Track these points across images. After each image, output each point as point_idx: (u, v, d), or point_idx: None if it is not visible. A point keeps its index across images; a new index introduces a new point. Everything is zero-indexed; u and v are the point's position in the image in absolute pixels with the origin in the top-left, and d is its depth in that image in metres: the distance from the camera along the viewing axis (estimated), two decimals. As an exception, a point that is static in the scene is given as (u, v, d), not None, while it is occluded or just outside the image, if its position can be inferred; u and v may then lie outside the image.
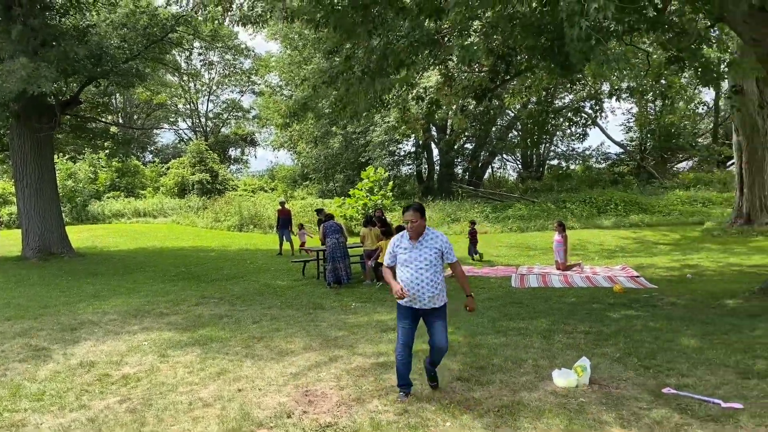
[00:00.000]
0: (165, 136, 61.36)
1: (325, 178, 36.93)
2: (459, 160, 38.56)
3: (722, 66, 10.24)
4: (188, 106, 53.35)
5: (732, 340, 6.79)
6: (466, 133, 35.94)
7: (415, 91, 13.11)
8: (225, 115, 54.25)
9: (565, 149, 39.78)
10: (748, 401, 5.00)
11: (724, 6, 7.55)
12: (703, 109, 37.44)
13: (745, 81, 17.49)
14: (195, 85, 51.28)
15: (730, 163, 31.11)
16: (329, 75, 10.59)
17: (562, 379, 5.50)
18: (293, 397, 5.46)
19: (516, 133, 38.76)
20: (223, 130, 53.60)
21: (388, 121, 29.52)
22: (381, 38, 9.35)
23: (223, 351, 7.06)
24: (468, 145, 38.84)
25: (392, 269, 5.35)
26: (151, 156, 51.33)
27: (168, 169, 39.65)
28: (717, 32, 16.21)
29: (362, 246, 12.63)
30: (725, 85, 18.76)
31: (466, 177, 37.94)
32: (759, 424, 4.58)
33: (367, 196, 25.50)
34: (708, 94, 37.02)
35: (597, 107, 32.64)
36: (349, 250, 12.58)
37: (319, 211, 16.73)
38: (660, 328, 7.43)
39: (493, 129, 37.44)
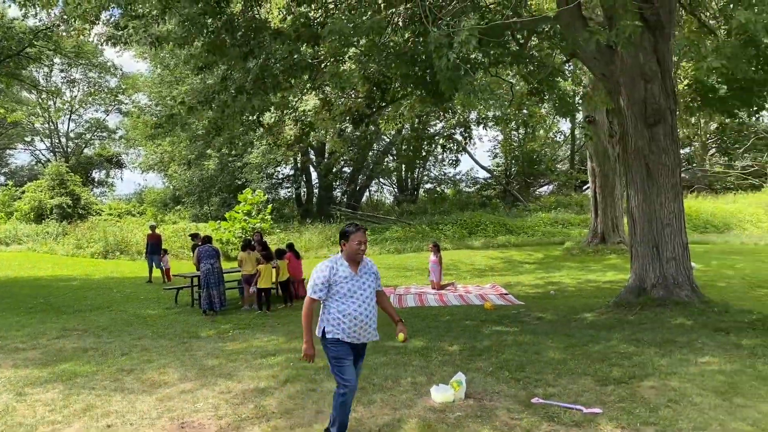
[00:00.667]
0: (20, 157, 56.86)
1: (199, 201, 35.73)
2: (337, 183, 38.89)
3: (577, 98, 11.21)
4: (47, 125, 49.68)
5: (591, 350, 7.34)
6: (344, 157, 36.37)
7: (292, 114, 13.13)
8: (88, 136, 51.05)
9: (438, 173, 41.36)
10: (607, 406, 5.42)
11: (576, 43, 8.29)
12: (560, 137, 40.53)
13: (597, 112, 19.21)
14: (55, 104, 47.90)
15: (585, 187, 33.71)
16: (204, 95, 10.35)
17: (440, 394, 5.67)
18: (168, 430, 5.19)
19: (392, 157, 39.76)
20: (86, 151, 50.36)
21: (266, 144, 29.24)
22: (257, 60, 9.31)
23: (88, 386, 6.58)
24: (346, 169, 39.30)
25: (313, 304, 4.61)
26: (3, 179, 47.11)
27: (23, 192, 36.54)
28: (572, 67, 17.71)
29: (240, 270, 12.33)
30: (580, 115, 20.47)
31: (345, 200, 38.30)
32: (616, 426, 4.98)
33: (245, 220, 24.97)
34: (565, 124, 40.06)
35: (466, 134, 34.32)
36: (226, 275, 12.23)
37: (194, 236, 16.14)
38: (528, 342, 7.88)
39: (370, 153, 38.18)
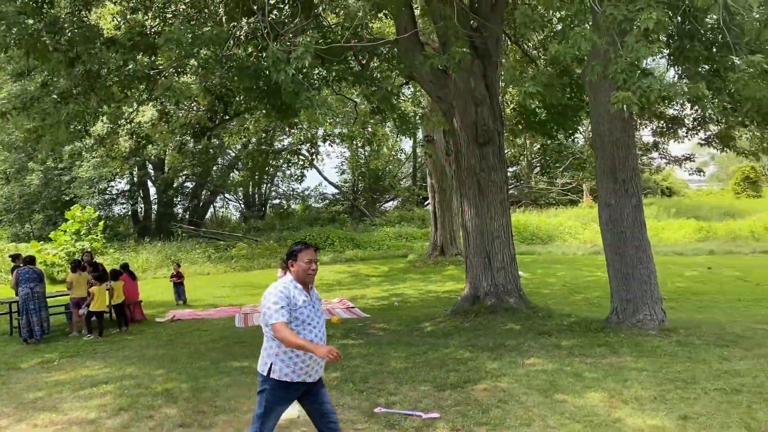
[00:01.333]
0: None
1: (19, 219, 32.36)
2: (179, 199, 37.19)
3: (417, 118, 11.80)
4: None
5: (431, 358, 7.69)
6: (186, 172, 34.93)
7: (127, 126, 12.42)
8: None
9: (286, 189, 41.11)
10: (444, 410, 5.71)
11: (413, 67, 8.73)
12: (403, 155, 42.17)
13: (435, 132, 20.27)
14: None
15: (426, 202, 35.33)
16: (21, 101, 9.45)
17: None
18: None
19: (238, 172, 38.89)
20: None
21: (98, 156, 27.25)
22: (84, 67, 8.69)
23: None
24: (188, 184, 37.73)
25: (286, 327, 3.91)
26: None
27: None
28: (412, 89, 18.55)
29: (69, 293, 11.34)
30: (420, 135, 21.49)
31: (187, 217, 36.71)
32: (452, 428, 5.26)
33: (73, 239, 23.01)
34: (407, 143, 41.79)
35: (313, 150, 34.56)
36: (53, 299, 11.19)
37: (14, 257, 14.59)
38: (372, 353, 8.08)
39: (215, 168, 37.03)
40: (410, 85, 14.23)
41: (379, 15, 8.31)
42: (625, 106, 5.01)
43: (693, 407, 5.49)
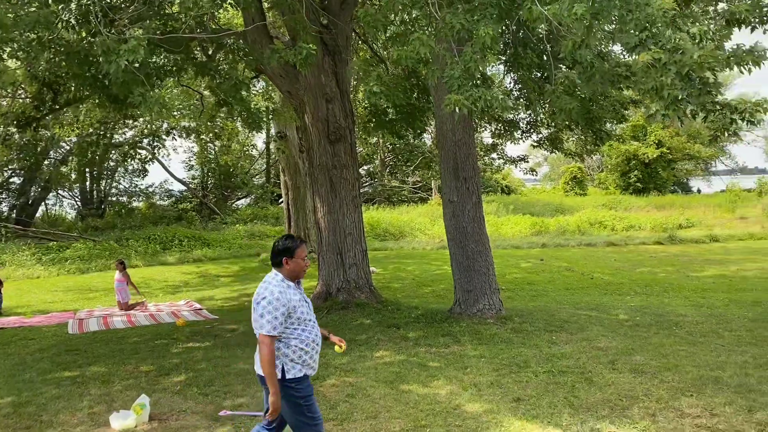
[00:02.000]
0: None
1: None
2: (4, 196, 33.56)
3: (267, 113, 11.59)
4: None
5: (280, 356, 7.59)
6: (12, 166, 31.60)
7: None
8: None
9: (127, 185, 38.61)
10: (292, 408, 5.65)
11: (260, 60, 8.56)
12: (255, 151, 41.32)
13: (288, 128, 20.07)
14: None
15: (280, 200, 34.97)
16: None
17: (120, 421, 5.28)
18: None
19: (72, 167, 35.88)
20: None
21: None
22: None
23: None
24: (15, 179, 34.16)
25: (274, 343, 3.77)
26: None
27: None
28: (263, 84, 18.22)
29: None
30: (273, 130, 21.17)
31: (14, 215, 33.22)
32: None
33: None
34: (260, 138, 41.02)
35: (156, 144, 32.76)
36: None
37: None
38: (219, 356, 7.81)
39: (46, 162, 33.86)
40: (261, 79, 13.96)
41: (225, 5, 8.02)
42: (457, 108, 5.26)
43: (525, 390, 5.91)
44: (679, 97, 5.10)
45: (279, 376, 3.84)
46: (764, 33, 6.88)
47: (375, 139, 26.17)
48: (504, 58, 10.43)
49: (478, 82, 5.67)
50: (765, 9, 6.26)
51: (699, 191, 60.28)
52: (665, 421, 5.02)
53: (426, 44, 5.68)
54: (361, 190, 36.92)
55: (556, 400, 5.59)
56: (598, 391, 5.80)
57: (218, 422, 5.38)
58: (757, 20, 6.33)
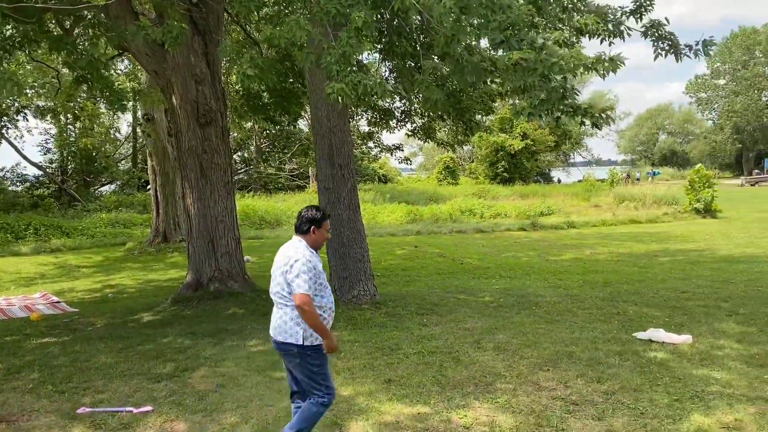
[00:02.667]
0: None
1: None
2: None
3: (131, 93, 10.92)
4: None
5: (146, 349, 7.24)
6: None
7: None
8: None
9: (-27, 169, 34.98)
10: (158, 402, 5.42)
11: (124, 37, 8.05)
12: (119, 134, 38.93)
13: (156, 110, 19.06)
14: None
15: (148, 186, 33.26)
16: None
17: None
18: None
19: None
20: None
21: None
22: None
23: None
24: None
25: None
26: None
27: None
28: (128, 62, 17.16)
29: None
30: (139, 112, 20.00)
31: None
32: (165, 420, 5.02)
33: None
34: (125, 121, 38.71)
35: (5, 124, 29.93)
36: None
37: None
38: (78, 351, 7.31)
39: None
40: (126, 58, 13.12)
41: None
42: (339, 98, 5.25)
43: (396, 371, 6.06)
44: (543, 98, 5.42)
45: (300, 342, 4.01)
46: (609, 45, 7.50)
47: (250, 124, 25.48)
48: (380, 47, 10.55)
49: (355, 68, 5.69)
50: (609, 25, 6.85)
51: (559, 181, 64.71)
52: (524, 395, 5.35)
53: (303, 27, 5.61)
54: (236, 177, 36.12)
55: (425, 379, 5.78)
56: (464, 369, 6.06)
57: (76, 420, 5.04)
58: (605, 33, 6.90)
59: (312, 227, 4.14)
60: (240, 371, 6.22)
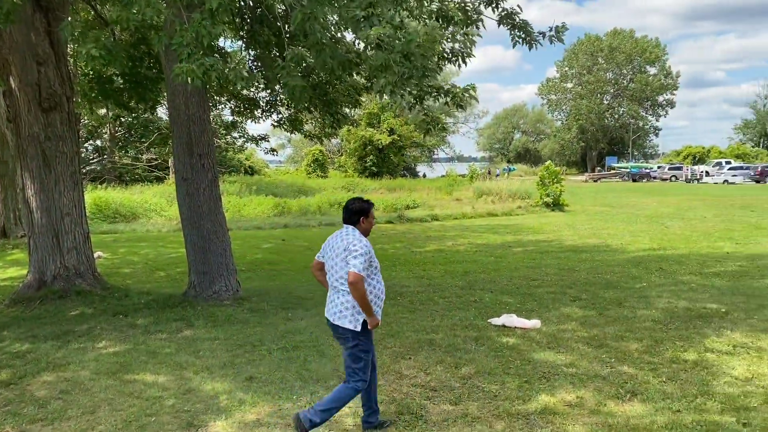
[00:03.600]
0: None
1: None
2: None
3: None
4: None
5: (-24, 356, 6.51)
6: None
7: None
8: None
9: None
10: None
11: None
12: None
13: (-8, 93, 17.19)
14: None
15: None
16: None
17: None
18: None
19: None
20: None
21: None
22: None
23: None
24: None
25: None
26: None
27: None
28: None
29: None
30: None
31: None
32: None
33: None
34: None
35: None
36: None
37: None
38: None
39: None
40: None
41: None
42: (189, 79, 4.99)
43: (258, 368, 5.91)
44: (405, 76, 5.49)
45: (359, 328, 4.29)
46: (471, 35, 7.76)
47: (104, 110, 23.77)
48: (242, 34, 10.23)
49: (215, 53, 5.45)
50: (468, 12, 7.08)
51: (425, 176, 66.87)
52: (386, 383, 5.43)
53: (154, 7, 5.26)
54: (88, 168, 33.58)
55: (289, 374, 5.69)
56: (329, 362, 6.04)
57: None
58: (462, 19, 7.11)
59: (361, 218, 4.47)
60: (88, 375, 5.77)
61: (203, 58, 5.03)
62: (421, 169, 70.35)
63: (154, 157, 36.70)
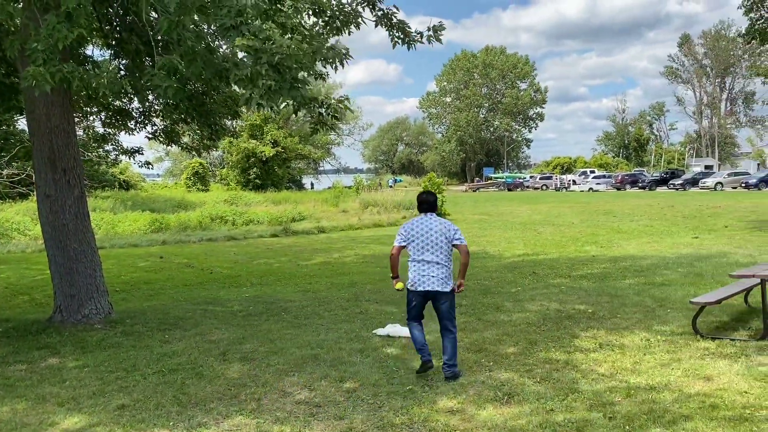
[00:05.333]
0: None
1: None
2: None
3: None
4: None
5: None
6: None
7: None
8: None
9: None
10: None
11: None
12: None
13: None
14: None
15: None
16: None
17: None
18: None
19: None
20: None
21: None
22: None
23: None
24: None
25: None
26: None
27: None
28: None
29: None
30: None
31: None
32: None
33: None
34: None
35: None
36: None
37: None
38: None
39: None
40: None
41: None
42: (34, 82, 4.61)
43: (131, 395, 5.56)
44: (272, 88, 5.40)
45: (449, 289, 5.73)
46: (348, 35, 7.78)
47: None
48: (111, 42, 9.70)
49: (69, 57, 5.08)
50: (346, 10, 7.14)
51: (312, 186, 66.62)
52: (270, 402, 5.29)
53: (4, 9, 4.83)
54: (-64, 184, 30.34)
55: (165, 400, 5.39)
56: (208, 384, 5.80)
57: None
58: (340, 19, 7.15)
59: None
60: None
61: (61, 64, 4.67)
62: (307, 180, 70.04)
63: (15, 172, 33.84)
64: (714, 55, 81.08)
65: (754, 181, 48.81)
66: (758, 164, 70.82)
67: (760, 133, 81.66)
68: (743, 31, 18.56)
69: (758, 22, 17.24)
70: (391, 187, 56.50)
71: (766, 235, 16.91)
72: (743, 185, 49.01)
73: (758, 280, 6.93)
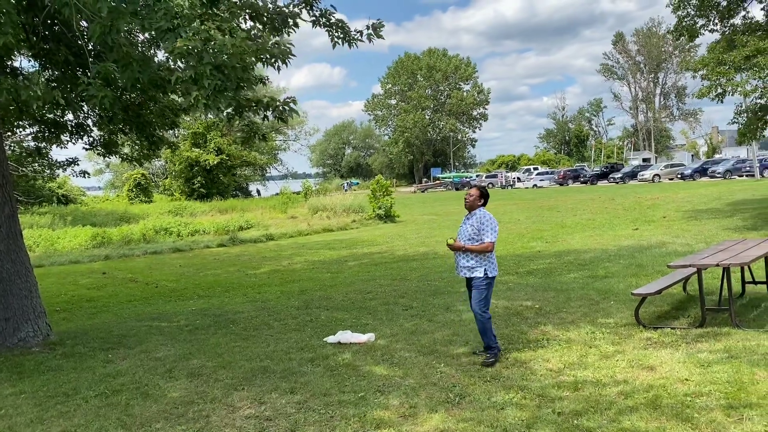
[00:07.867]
0: None
1: None
2: None
3: None
4: None
5: None
6: None
7: None
8: None
9: None
10: None
11: None
12: None
13: None
14: None
15: None
16: None
17: None
18: None
19: None
20: None
21: None
22: None
23: None
24: None
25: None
26: None
27: None
28: None
29: None
30: None
31: None
32: None
33: None
34: None
35: None
36: None
37: None
38: None
39: None
40: None
41: None
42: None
43: (72, 420, 5.33)
44: (218, 88, 5.27)
45: (481, 275, 6.16)
46: (288, 35, 7.65)
47: None
48: (39, 52, 9.31)
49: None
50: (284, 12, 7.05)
51: (259, 193, 65.76)
52: (218, 419, 5.16)
53: None
54: None
55: (108, 423, 5.19)
56: (153, 403, 5.62)
57: None
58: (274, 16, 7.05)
59: (486, 201, 6.50)
60: None
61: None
62: (254, 187, 69.12)
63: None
64: (646, 52, 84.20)
65: (689, 171, 50.87)
66: (692, 155, 73.84)
67: (693, 125, 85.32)
68: (672, 28, 19.23)
69: (685, 20, 17.90)
70: (346, 190, 56.41)
71: (702, 224, 17.60)
72: (679, 176, 50.98)
73: (695, 270, 7.18)
